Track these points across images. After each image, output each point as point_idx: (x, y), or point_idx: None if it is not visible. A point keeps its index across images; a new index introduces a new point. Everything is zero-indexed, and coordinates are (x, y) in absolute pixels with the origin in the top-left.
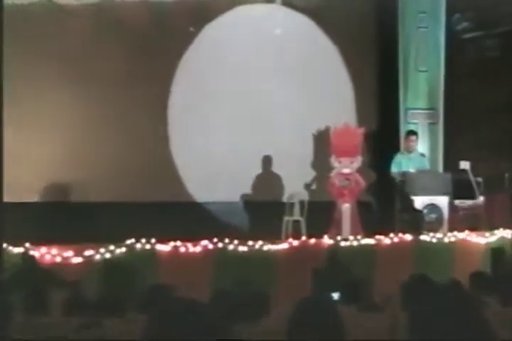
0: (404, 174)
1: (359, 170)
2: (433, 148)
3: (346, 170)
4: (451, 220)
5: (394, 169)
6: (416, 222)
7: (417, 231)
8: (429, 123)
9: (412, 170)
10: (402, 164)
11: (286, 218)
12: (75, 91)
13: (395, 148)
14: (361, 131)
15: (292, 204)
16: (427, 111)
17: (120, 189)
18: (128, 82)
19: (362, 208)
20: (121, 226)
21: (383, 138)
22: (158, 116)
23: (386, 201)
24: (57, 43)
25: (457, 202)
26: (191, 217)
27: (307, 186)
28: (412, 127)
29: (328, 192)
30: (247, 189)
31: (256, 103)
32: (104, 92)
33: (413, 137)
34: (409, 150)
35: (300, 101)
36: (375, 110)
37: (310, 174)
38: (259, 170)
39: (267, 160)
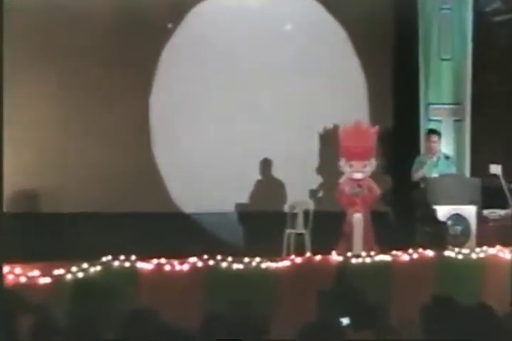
0: (425, 179)
1: (373, 175)
2: (459, 150)
3: (358, 176)
4: (480, 233)
5: (415, 174)
6: (439, 235)
7: (440, 245)
8: (454, 120)
9: (435, 174)
10: (424, 168)
11: (287, 231)
12: (45, 93)
13: (415, 150)
14: (375, 129)
15: (295, 215)
16: (451, 107)
17: (96, 198)
18: (103, 81)
19: (376, 219)
20: (96, 240)
21: (401, 138)
22: (139, 118)
23: (404, 211)
24: (23, 42)
25: (486, 212)
26: (178, 231)
27: (312, 194)
28: (434, 125)
29: (337, 200)
30: (243, 198)
31: (252, 100)
32: (77, 94)
33: (434, 137)
34: (431, 152)
35: (303, 97)
36: (391, 106)
37: (315, 180)
38: (256, 176)
39: (265, 165)
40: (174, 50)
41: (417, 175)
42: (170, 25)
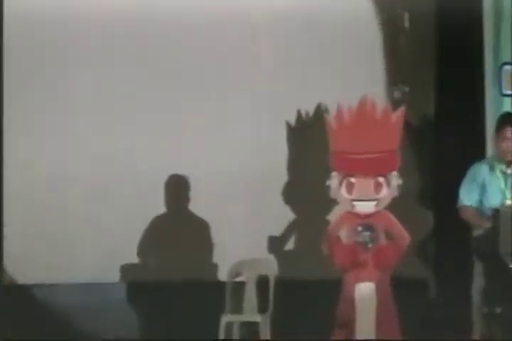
0: (495, 212)
1: (395, 207)
2: None
3: (366, 208)
4: None
5: (467, 199)
6: None
7: None
8: None
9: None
10: (486, 189)
11: (226, 318)
12: None
13: (477, 153)
14: (399, 114)
15: (240, 287)
16: None
17: None
18: None
19: (402, 293)
20: None
21: (450, 131)
22: None
23: (457, 277)
24: None
25: None
26: (7, 317)
27: (274, 246)
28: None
29: (327, 257)
30: (135, 258)
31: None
32: None
33: None
34: (504, 158)
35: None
36: (431, 67)
37: (280, 217)
38: (159, 215)
39: (180, 193)
40: None
41: (464, 217)
42: None
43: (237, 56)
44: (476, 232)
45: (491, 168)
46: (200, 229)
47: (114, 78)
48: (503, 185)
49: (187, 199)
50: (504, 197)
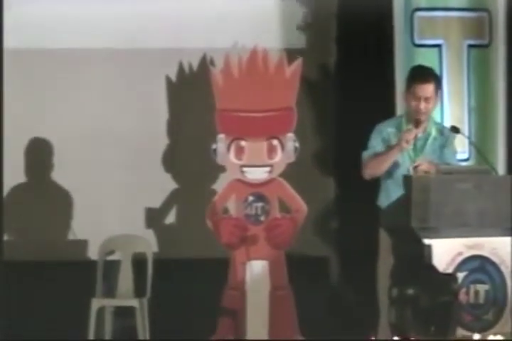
0: (407, 179)
1: (291, 174)
2: (482, 114)
3: (257, 175)
4: None
5: (369, 164)
6: (439, 304)
7: (441, 330)
8: (470, 44)
9: (423, 167)
10: (391, 151)
11: (97, 302)
12: None
13: (385, 112)
14: (296, 66)
15: (114, 267)
16: (469, 15)
17: None
18: None
19: (300, 274)
20: None
21: (353, 86)
22: None
23: (362, 254)
24: None
25: None
26: None
27: (151, 217)
28: (425, 56)
29: (212, 232)
30: None
31: None
32: None
33: (426, 86)
34: (416, 117)
35: None
36: (332, 13)
37: (160, 187)
38: (20, 182)
39: (41, 158)
40: None
41: (372, 166)
42: None
43: None
44: (384, 203)
45: (398, 131)
46: (66, 200)
47: None
48: (411, 150)
49: (50, 167)
50: (412, 163)
